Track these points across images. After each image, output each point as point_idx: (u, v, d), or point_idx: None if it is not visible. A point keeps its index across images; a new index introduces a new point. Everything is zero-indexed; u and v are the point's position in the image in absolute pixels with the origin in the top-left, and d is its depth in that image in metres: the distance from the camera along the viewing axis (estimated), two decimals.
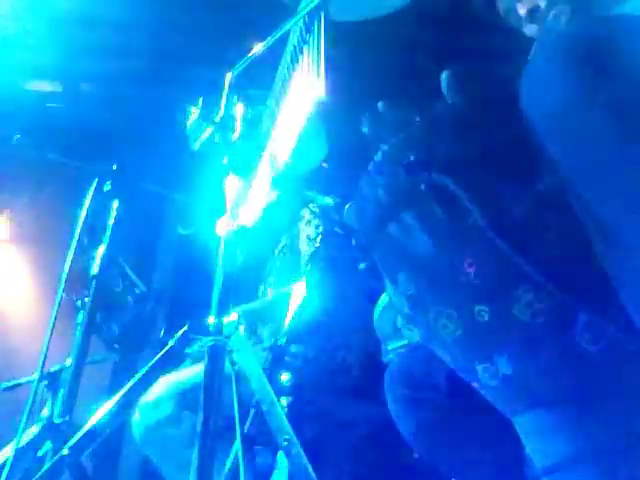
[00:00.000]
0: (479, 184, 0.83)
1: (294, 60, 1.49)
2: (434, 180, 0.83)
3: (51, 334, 1.51)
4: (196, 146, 1.52)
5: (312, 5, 1.37)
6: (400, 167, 0.88)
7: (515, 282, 0.80)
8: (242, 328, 1.37)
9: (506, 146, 0.84)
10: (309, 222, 2.37)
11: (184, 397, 1.87)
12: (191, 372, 1.92)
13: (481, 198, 0.81)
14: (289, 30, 1.47)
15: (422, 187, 0.83)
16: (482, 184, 0.83)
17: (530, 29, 1.15)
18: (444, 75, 0.86)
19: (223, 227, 1.43)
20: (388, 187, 0.89)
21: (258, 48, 1.49)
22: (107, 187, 1.88)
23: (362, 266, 1.02)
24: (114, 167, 1.90)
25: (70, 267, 1.66)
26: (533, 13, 1.11)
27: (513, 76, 0.84)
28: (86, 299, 1.76)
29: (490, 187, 0.83)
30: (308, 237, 2.35)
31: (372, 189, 0.92)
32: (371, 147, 0.94)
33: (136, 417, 1.95)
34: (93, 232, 1.84)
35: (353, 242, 1.05)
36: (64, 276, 1.64)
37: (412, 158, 0.87)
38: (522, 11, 1.13)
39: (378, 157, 0.92)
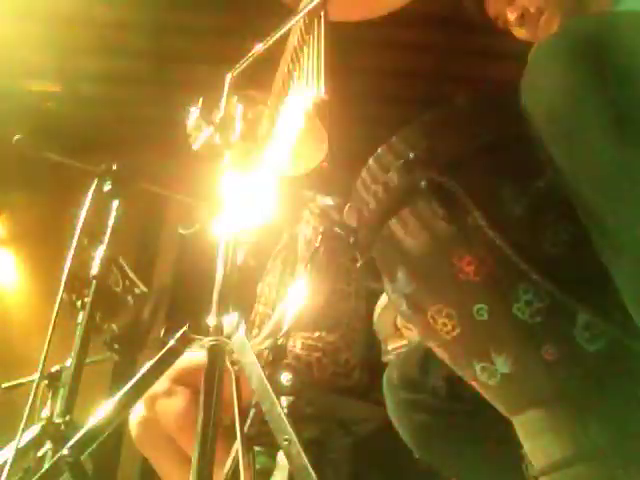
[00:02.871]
0: (479, 183, 0.83)
1: (294, 60, 1.49)
2: (434, 178, 0.83)
3: (51, 334, 1.51)
4: (196, 146, 1.52)
5: (312, 5, 1.37)
6: (400, 165, 0.88)
7: (514, 281, 0.80)
8: (242, 328, 1.36)
9: (506, 145, 0.84)
10: (307, 223, 2.38)
11: (178, 375, 1.95)
12: (186, 356, 1.94)
13: (481, 197, 0.81)
14: (289, 30, 1.47)
15: (422, 185, 0.83)
16: (482, 183, 0.83)
17: (519, 32, 1.15)
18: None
19: (223, 227, 1.43)
20: (387, 185, 0.89)
21: (258, 48, 1.48)
22: (107, 187, 1.88)
23: (360, 264, 1.02)
24: (114, 167, 1.90)
25: (70, 267, 1.66)
26: (522, 18, 1.11)
27: (513, 75, 0.84)
28: (86, 299, 1.76)
29: (490, 186, 0.83)
30: (305, 238, 2.35)
31: (372, 186, 0.92)
32: (371, 146, 0.94)
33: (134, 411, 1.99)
34: (93, 232, 1.84)
35: (351, 240, 1.05)
36: (64, 276, 1.64)
37: (412, 156, 0.87)
38: (512, 16, 1.13)
39: (378, 154, 0.92)
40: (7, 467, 1.29)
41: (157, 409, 2.03)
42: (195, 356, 1.91)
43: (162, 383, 2.02)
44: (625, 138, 0.71)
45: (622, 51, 0.74)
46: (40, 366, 1.49)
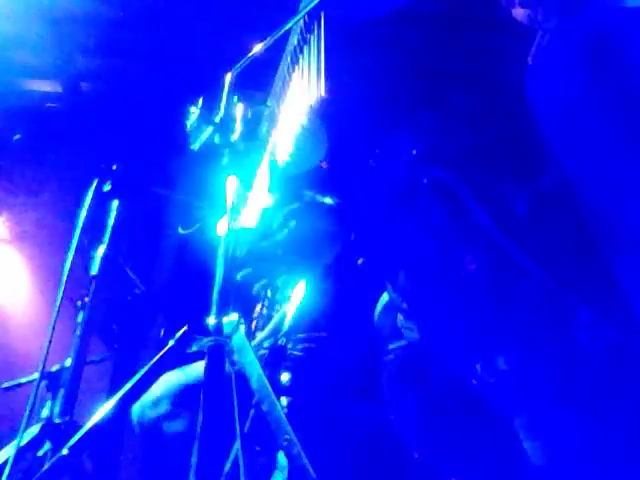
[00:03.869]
0: (481, 181, 0.83)
1: (294, 60, 1.49)
2: (436, 176, 0.83)
3: (52, 334, 1.50)
4: (196, 146, 1.52)
5: (312, 5, 1.38)
6: (402, 162, 0.87)
7: (516, 279, 0.80)
8: (242, 328, 1.37)
9: (509, 144, 0.84)
10: None
11: (181, 396, 1.94)
12: (190, 371, 1.93)
13: (483, 195, 0.81)
14: (289, 30, 1.48)
15: (424, 183, 0.83)
16: (484, 181, 0.83)
17: (518, 13, 1.15)
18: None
19: (223, 227, 1.43)
20: (389, 182, 0.89)
21: (258, 48, 1.48)
22: (107, 187, 1.88)
23: (361, 262, 1.02)
24: (114, 167, 1.90)
25: (70, 267, 1.66)
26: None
27: (517, 73, 0.84)
28: (86, 299, 1.76)
29: (492, 184, 0.83)
30: None
31: (372, 184, 0.92)
32: (372, 144, 0.94)
33: (137, 414, 1.98)
34: (93, 232, 1.84)
35: (352, 237, 1.05)
36: (64, 276, 1.64)
37: (415, 153, 0.87)
38: None
39: (379, 152, 0.92)
40: (8, 466, 1.29)
41: (160, 431, 2.01)
42: (193, 371, 1.91)
43: (164, 406, 1.99)
44: (632, 134, 0.71)
45: (628, 45, 0.74)
46: (40, 366, 1.49)
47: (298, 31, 1.48)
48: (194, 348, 1.93)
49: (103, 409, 1.25)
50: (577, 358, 0.80)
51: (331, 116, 1.55)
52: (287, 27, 1.44)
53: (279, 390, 1.91)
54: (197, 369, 1.90)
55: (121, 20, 3.71)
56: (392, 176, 0.90)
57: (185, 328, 1.34)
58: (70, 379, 1.64)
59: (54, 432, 1.53)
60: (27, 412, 1.38)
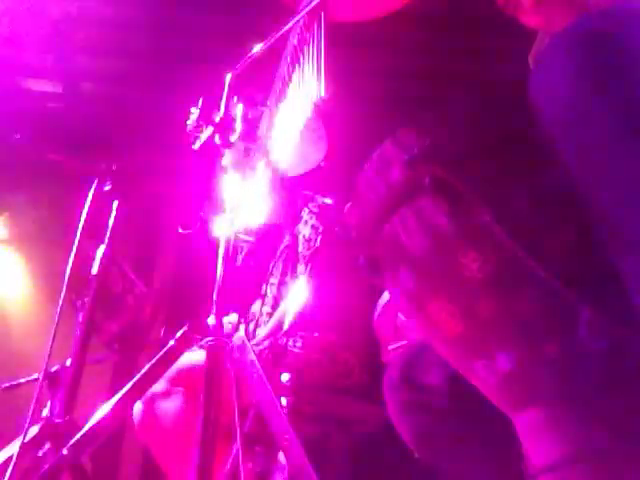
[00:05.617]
0: (484, 180, 0.83)
1: (294, 60, 1.49)
2: (438, 174, 0.82)
3: (54, 334, 1.50)
4: (196, 146, 1.52)
5: (312, 5, 1.38)
6: (403, 161, 0.87)
7: (518, 278, 0.80)
8: (242, 328, 1.37)
9: (511, 143, 0.84)
10: (306, 222, 2.38)
11: (176, 377, 1.97)
12: (185, 357, 1.96)
13: (486, 194, 0.80)
14: (289, 30, 1.48)
15: (425, 182, 0.83)
16: (487, 180, 0.83)
17: (531, 19, 1.13)
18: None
19: (223, 227, 1.43)
20: (390, 181, 0.89)
21: (258, 48, 1.48)
22: (107, 187, 1.88)
23: (362, 261, 1.02)
24: (114, 167, 1.90)
25: (70, 267, 1.66)
26: (538, 2, 1.09)
27: (519, 73, 0.84)
28: (86, 299, 1.76)
29: (495, 183, 0.83)
30: (304, 237, 2.36)
31: (374, 182, 0.92)
32: (372, 146, 0.94)
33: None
34: (93, 232, 1.84)
35: (352, 237, 1.05)
36: (66, 276, 1.64)
37: (415, 151, 0.87)
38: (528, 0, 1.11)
39: (382, 149, 0.92)
40: (12, 463, 1.29)
41: (156, 410, 2.04)
42: (194, 356, 1.93)
43: (160, 384, 2.03)
44: (630, 134, 0.71)
45: (631, 48, 0.74)
46: (43, 366, 1.49)
47: (298, 31, 1.48)
48: (194, 348, 1.94)
49: (103, 409, 1.24)
50: (579, 357, 0.80)
51: (331, 116, 1.55)
52: (287, 27, 1.44)
53: (279, 390, 1.91)
54: (192, 355, 1.92)
55: (121, 20, 3.71)
56: (393, 174, 0.90)
57: (185, 328, 1.34)
58: (70, 379, 1.63)
59: (54, 432, 1.53)
60: (32, 410, 1.38)
